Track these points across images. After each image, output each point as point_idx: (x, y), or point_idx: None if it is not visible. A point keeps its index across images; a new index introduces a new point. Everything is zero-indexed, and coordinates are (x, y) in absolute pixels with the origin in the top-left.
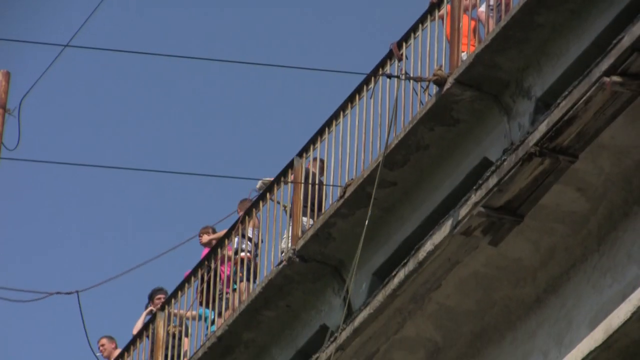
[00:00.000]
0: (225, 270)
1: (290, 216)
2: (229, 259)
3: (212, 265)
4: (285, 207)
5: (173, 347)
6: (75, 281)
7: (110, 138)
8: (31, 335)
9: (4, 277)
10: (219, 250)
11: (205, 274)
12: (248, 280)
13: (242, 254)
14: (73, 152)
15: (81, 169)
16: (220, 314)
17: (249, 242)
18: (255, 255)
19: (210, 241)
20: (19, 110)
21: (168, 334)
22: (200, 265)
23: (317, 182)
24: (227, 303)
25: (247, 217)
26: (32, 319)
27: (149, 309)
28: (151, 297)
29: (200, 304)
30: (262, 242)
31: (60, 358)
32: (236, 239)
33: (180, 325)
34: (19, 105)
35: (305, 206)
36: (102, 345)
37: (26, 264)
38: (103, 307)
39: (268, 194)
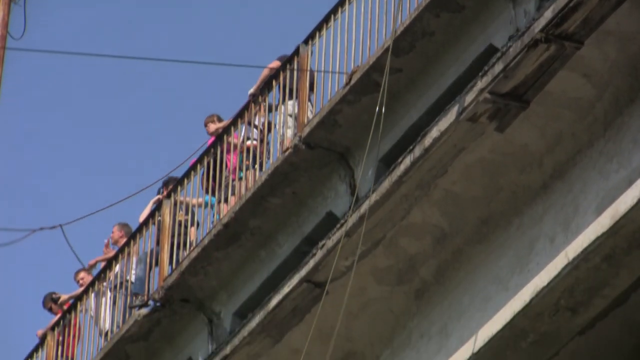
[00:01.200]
0: (232, 159)
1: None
2: (235, 147)
3: (218, 152)
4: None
5: (179, 235)
6: (79, 207)
7: (117, 28)
8: (15, 273)
9: None
10: (224, 137)
11: (212, 161)
12: (254, 167)
13: (249, 142)
14: (78, 41)
15: (86, 59)
16: (226, 200)
17: (255, 130)
18: (262, 142)
19: (217, 130)
20: None
21: (175, 221)
22: (206, 152)
23: (307, 71)
24: (232, 190)
25: (253, 105)
26: (15, 256)
27: (157, 197)
28: (166, 185)
29: (207, 191)
30: (269, 131)
31: (27, 268)
32: (243, 127)
33: (187, 214)
34: None
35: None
36: (113, 232)
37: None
38: (93, 237)
39: (274, 81)
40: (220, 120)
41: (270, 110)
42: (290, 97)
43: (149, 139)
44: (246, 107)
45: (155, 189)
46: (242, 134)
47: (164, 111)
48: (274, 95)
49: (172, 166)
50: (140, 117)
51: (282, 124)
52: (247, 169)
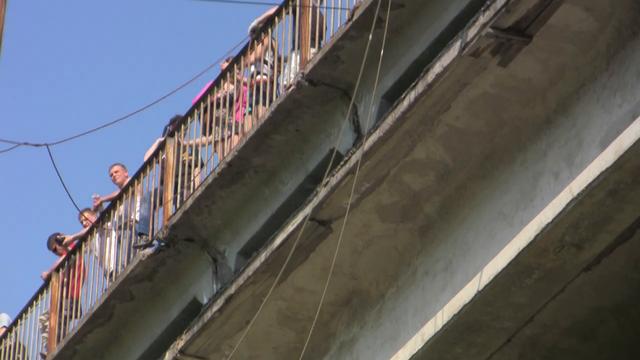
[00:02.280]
0: (234, 114)
1: (296, 48)
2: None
3: (221, 91)
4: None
5: (183, 174)
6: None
7: None
8: (8, 190)
9: None
10: (228, 74)
11: (215, 101)
12: (264, 104)
13: (259, 77)
14: None
15: None
16: (223, 140)
17: (265, 66)
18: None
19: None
20: None
21: (178, 161)
22: (209, 90)
23: (317, 12)
24: (235, 129)
25: (255, 42)
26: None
27: (162, 138)
28: (173, 123)
29: (210, 131)
30: (281, 65)
31: (31, 211)
32: (251, 65)
33: (191, 154)
34: None
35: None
36: (116, 171)
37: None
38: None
39: (276, 18)
40: None
41: (273, 48)
42: (293, 48)
43: (152, 76)
44: (249, 45)
45: (145, 117)
46: (252, 70)
47: (167, 47)
48: (277, 32)
49: (170, 99)
50: (140, 52)
51: (284, 71)
52: (257, 103)
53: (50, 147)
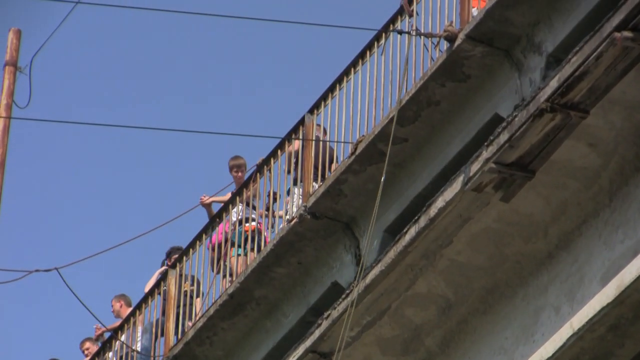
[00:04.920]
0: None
1: (295, 184)
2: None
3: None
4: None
5: (185, 305)
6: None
7: (121, 96)
8: (11, 314)
9: None
10: (230, 207)
11: (210, 240)
12: (253, 250)
13: (253, 223)
14: (84, 111)
15: (91, 128)
16: (224, 275)
17: (254, 210)
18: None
19: (210, 204)
20: (30, 68)
21: (180, 292)
22: (204, 229)
23: (323, 146)
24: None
25: (251, 183)
26: (9, 298)
27: (162, 268)
28: (169, 255)
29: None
30: (274, 201)
31: (44, 336)
32: (240, 208)
33: (193, 284)
34: (30, 63)
35: (315, 171)
36: (112, 306)
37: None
38: (91, 283)
39: (279, 151)
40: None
41: (275, 199)
42: (295, 183)
43: (153, 206)
44: (247, 183)
45: (150, 242)
46: (240, 216)
47: (167, 182)
48: (279, 165)
49: (173, 226)
50: (143, 186)
51: (286, 207)
52: (252, 249)
53: (60, 270)
